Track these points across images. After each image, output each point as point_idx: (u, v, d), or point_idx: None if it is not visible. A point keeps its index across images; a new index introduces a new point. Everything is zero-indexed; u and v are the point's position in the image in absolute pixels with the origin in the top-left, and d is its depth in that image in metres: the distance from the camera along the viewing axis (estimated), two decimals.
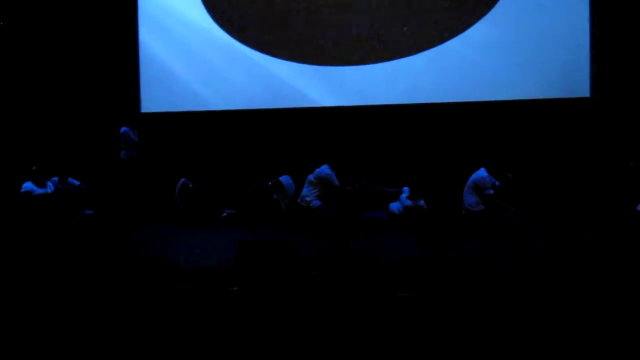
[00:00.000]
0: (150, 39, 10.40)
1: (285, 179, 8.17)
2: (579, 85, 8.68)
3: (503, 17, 9.02)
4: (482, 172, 7.04)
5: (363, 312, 3.81)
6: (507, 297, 3.74)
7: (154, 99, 10.28)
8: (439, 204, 7.81)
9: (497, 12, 9.04)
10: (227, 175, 9.19)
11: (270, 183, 8.11)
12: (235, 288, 4.13)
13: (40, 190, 7.81)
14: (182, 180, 8.34)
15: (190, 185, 8.25)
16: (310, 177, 7.55)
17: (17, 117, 10.60)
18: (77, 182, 8.58)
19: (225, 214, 8.20)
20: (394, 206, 7.26)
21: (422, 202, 7.16)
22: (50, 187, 7.98)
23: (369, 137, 9.44)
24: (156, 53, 10.35)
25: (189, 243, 6.25)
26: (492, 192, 6.90)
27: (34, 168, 7.79)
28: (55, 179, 8.43)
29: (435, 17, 9.25)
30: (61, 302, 4.30)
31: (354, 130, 9.44)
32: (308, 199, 7.44)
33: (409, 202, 7.17)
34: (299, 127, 9.66)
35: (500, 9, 9.03)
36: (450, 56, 9.20)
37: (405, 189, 7.33)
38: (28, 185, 7.78)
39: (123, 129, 9.01)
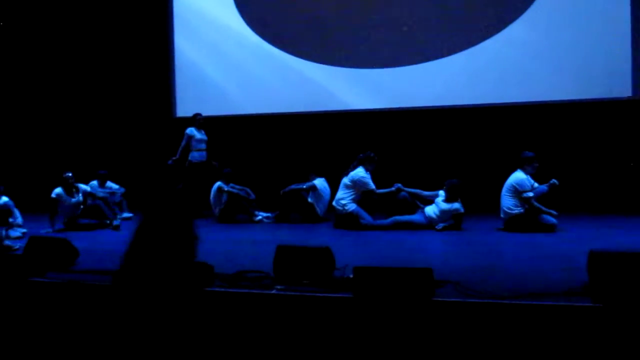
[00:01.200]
0: (184, 44, 10.58)
1: (319, 182, 8.16)
2: (620, 86, 8.47)
3: (541, 16, 8.88)
4: (520, 174, 6.90)
5: (400, 316, 3.77)
6: (550, 305, 3.65)
7: (189, 103, 10.44)
8: (476, 207, 7.71)
9: (535, 11, 8.89)
10: (262, 178, 9.26)
11: (305, 186, 8.11)
12: (273, 291, 4.13)
13: (71, 200, 7.85)
14: (217, 183, 8.40)
15: (225, 189, 8.30)
16: (346, 180, 7.53)
17: (54, 122, 10.86)
18: (116, 186, 8.75)
19: (259, 217, 8.23)
20: (430, 209, 7.18)
21: (458, 205, 7.05)
22: (79, 197, 7.98)
23: (403, 139, 9.39)
24: (191, 58, 10.53)
25: (226, 246, 6.27)
26: (531, 194, 6.76)
27: (64, 176, 7.79)
28: (95, 182, 8.60)
29: (471, 17, 9.14)
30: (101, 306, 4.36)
31: (388, 133, 9.40)
32: (343, 202, 7.42)
33: (445, 206, 7.08)
34: (333, 131, 9.68)
35: (538, 8, 8.88)
36: (487, 57, 9.09)
37: (441, 192, 7.23)
38: (58, 191, 7.81)
39: (189, 129, 8.98)
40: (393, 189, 7.44)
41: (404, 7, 9.47)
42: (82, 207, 7.93)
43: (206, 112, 9.56)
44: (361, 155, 7.56)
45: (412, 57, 9.43)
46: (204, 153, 9.06)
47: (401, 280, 3.83)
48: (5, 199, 7.82)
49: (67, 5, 10.95)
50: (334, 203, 7.56)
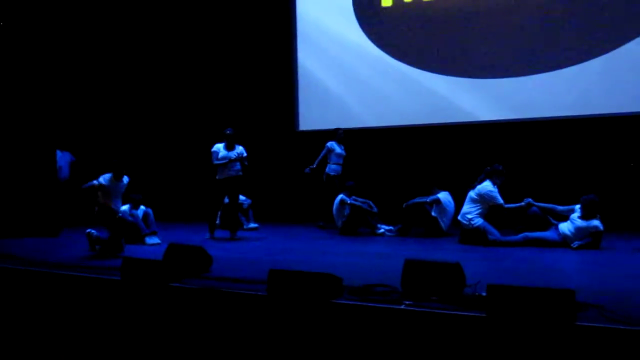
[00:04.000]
0: (307, 60, 10.80)
1: (443, 195, 7.97)
2: None
3: None
4: None
5: (538, 340, 3.55)
6: None
7: (311, 117, 10.68)
8: (613, 225, 7.16)
9: None
10: (385, 191, 9.25)
11: (428, 200, 7.97)
12: (402, 307, 4.06)
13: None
14: (340, 196, 8.47)
15: (348, 201, 8.34)
16: (472, 194, 7.29)
17: (185, 136, 11.46)
18: (242, 197, 9.08)
19: (382, 230, 8.17)
20: (565, 226, 6.75)
21: (597, 223, 6.56)
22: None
23: (533, 151, 8.95)
24: (313, 73, 10.74)
25: (351, 259, 6.24)
26: None
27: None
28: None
29: (608, 19, 8.54)
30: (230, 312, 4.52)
31: (516, 144, 9.01)
32: (469, 216, 7.18)
33: (581, 223, 6.62)
34: (457, 143, 9.45)
35: None
36: (626, 62, 8.44)
37: (577, 207, 6.78)
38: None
39: (329, 143, 9.20)
40: (523, 203, 7.09)
41: (530, 13, 9.06)
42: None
43: (328, 125, 9.75)
44: (488, 168, 7.30)
45: (540, 65, 8.99)
46: (340, 167, 9.20)
47: (540, 301, 3.60)
48: (144, 207, 8.37)
49: (202, 25, 11.60)
50: (459, 217, 7.34)
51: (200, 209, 9.94)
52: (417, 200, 8.07)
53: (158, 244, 7.37)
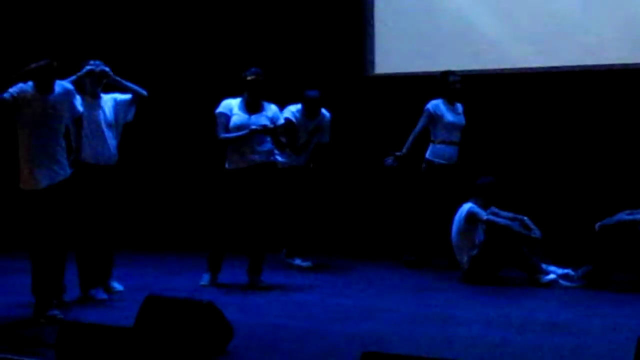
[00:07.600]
0: None
1: None
2: None
3: None
4: None
5: None
6: None
7: (393, 56, 8.00)
8: None
9: None
10: (551, 197, 6.16)
11: None
12: None
13: None
14: (468, 206, 5.36)
15: (483, 217, 5.33)
16: None
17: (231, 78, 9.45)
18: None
19: (551, 277, 5.19)
20: None
21: None
22: None
23: None
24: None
25: (499, 334, 3.93)
26: None
27: None
28: None
29: None
30: None
31: None
32: None
33: None
34: None
35: None
36: None
37: None
38: None
39: (432, 104, 5.91)
40: None
41: None
42: None
43: (420, 67, 6.87)
44: None
45: None
46: (455, 150, 5.91)
47: None
48: None
49: None
50: None
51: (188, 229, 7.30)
52: (624, 217, 5.08)
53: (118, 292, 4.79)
